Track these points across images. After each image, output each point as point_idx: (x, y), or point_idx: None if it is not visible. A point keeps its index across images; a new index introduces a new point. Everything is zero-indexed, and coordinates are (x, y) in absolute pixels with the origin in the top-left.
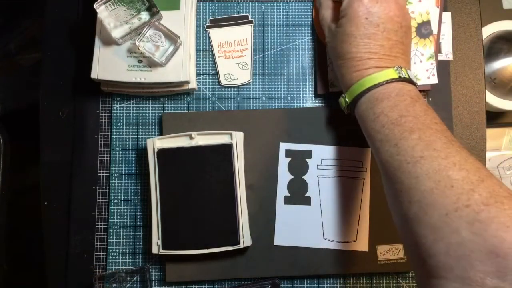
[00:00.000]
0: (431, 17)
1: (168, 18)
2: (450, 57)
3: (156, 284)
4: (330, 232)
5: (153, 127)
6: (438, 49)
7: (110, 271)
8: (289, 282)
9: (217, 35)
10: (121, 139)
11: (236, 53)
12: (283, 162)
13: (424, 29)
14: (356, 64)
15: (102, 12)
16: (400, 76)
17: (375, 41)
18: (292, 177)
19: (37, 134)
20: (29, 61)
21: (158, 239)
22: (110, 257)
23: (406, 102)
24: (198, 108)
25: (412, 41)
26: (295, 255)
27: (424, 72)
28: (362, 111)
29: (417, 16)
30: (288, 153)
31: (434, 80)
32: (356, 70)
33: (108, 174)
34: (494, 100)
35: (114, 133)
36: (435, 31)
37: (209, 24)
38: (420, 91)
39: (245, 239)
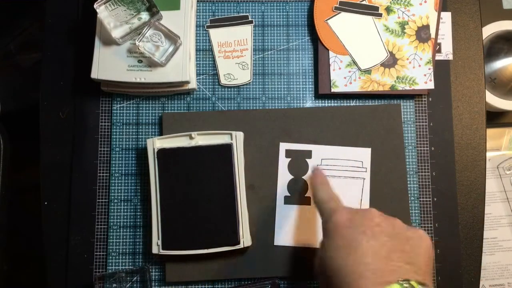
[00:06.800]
0: (430, 21)
1: (168, 18)
2: (450, 57)
3: (156, 284)
4: None
5: (153, 127)
6: (435, 54)
7: (110, 271)
8: (289, 282)
9: (217, 35)
10: (121, 139)
11: (236, 53)
12: (283, 162)
13: (423, 34)
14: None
15: (102, 12)
16: None
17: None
18: (292, 177)
19: (37, 134)
20: (29, 61)
21: (158, 239)
22: (110, 257)
23: None
24: (198, 108)
25: (412, 44)
26: (295, 255)
27: (422, 77)
28: None
29: (417, 19)
30: (288, 153)
31: (431, 85)
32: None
33: (108, 174)
34: (494, 100)
35: (114, 133)
36: (433, 35)
37: (209, 24)
38: (418, 95)
39: (245, 239)
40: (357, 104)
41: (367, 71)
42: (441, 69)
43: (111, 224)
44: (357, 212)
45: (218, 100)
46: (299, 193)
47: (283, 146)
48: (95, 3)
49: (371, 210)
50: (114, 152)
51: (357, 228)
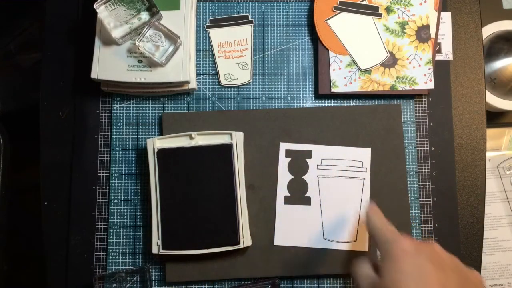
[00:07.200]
0: (430, 21)
1: (168, 18)
2: (450, 57)
3: (156, 284)
4: (330, 232)
5: (153, 127)
6: (435, 54)
7: (110, 271)
8: (289, 282)
9: (217, 35)
10: (121, 139)
11: (236, 53)
12: (283, 162)
13: (423, 34)
14: None
15: (102, 12)
16: None
17: None
18: (292, 177)
19: (37, 134)
20: (29, 61)
21: (158, 239)
22: (110, 257)
23: None
24: (198, 108)
25: (412, 44)
26: (295, 255)
27: (422, 77)
28: None
29: (417, 19)
30: (288, 153)
31: (431, 85)
32: None
33: (108, 174)
34: (494, 100)
35: (114, 133)
36: (433, 35)
37: (209, 24)
38: (418, 95)
39: (245, 239)
40: (357, 104)
41: (367, 71)
42: (441, 69)
43: (111, 224)
44: (422, 243)
45: (218, 100)
46: (299, 193)
47: (283, 146)
48: (95, 3)
49: (435, 244)
50: (114, 152)
51: (424, 257)
